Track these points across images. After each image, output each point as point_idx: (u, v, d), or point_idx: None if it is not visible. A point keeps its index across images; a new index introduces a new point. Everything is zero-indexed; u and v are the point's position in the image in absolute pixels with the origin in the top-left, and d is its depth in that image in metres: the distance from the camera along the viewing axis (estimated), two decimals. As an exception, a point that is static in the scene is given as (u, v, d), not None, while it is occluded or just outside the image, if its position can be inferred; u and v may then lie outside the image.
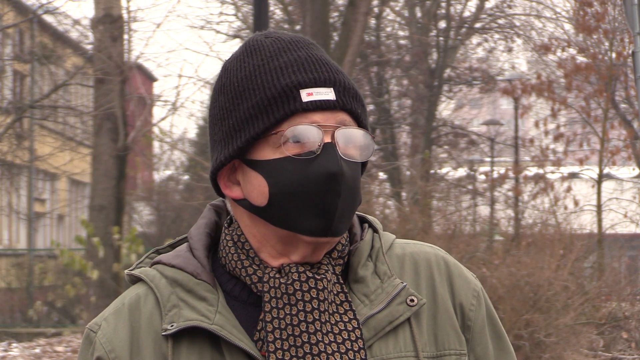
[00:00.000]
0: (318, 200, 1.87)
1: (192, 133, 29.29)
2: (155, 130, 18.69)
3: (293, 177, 1.87)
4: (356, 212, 2.00)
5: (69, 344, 18.55)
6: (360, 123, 1.93)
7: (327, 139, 1.88)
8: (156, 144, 23.98)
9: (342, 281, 1.93)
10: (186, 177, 27.20)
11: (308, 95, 1.89)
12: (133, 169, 20.47)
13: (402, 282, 1.94)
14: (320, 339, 1.87)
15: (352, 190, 1.89)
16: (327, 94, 1.90)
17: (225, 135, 1.93)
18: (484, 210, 20.54)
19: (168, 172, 28.56)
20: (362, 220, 2.04)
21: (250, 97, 1.90)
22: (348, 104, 1.91)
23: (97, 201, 16.06)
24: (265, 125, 1.88)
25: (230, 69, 1.95)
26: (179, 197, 26.08)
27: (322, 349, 1.87)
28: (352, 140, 1.90)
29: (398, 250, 2.02)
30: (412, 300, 1.93)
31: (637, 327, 13.66)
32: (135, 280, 1.99)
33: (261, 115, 1.89)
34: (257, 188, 1.90)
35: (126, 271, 2.00)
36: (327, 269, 1.92)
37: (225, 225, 2.00)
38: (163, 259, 1.98)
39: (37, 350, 18.00)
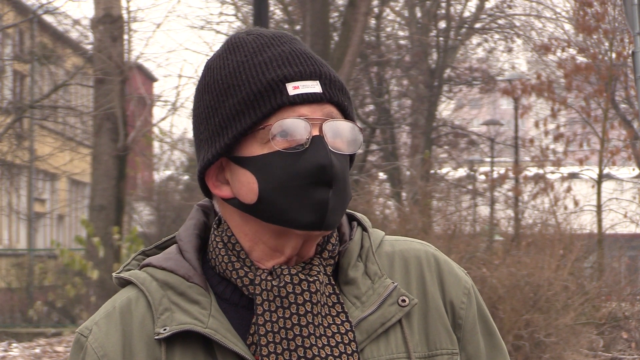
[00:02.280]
0: (309, 193, 1.85)
1: (192, 133, 29.28)
2: (155, 130, 18.72)
3: (282, 172, 1.85)
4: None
5: (69, 344, 18.53)
6: (346, 115, 1.92)
7: (315, 132, 1.86)
8: (156, 144, 24.01)
9: (333, 282, 1.91)
10: (186, 177, 27.20)
11: (294, 88, 1.87)
12: (133, 169, 20.48)
13: (393, 283, 1.92)
14: (313, 343, 1.86)
15: (342, 182, 1.87)
16: (313, 86, 1.88)
17: (212, 133, 1.91)
18: (484, 210, 20.54)
19: (168, 172, 28.56)
20: (351, 218, 2.02)
21: (235, 94, 1.88)
22: (335, 96, 1.90)
23: (97, 201, 16.08)
24: (252, 121, 1.87)
25: (213, 67, 1.93)
26: (179, 197, 26.07)
27: (316, 353, 1.85)
28: (340, 132, 1.88)
29: (387, 248, 2.00)
30: (403, 301, 1.91)
31: (637, 327, 13.65)
32: (125, 283, 1.97)
33: (247, 110, 1.87)
34: (246, 185, 1.88)
35: (114, 274, 1.98)
36: (319, 270, 1.90)
37: (214, 226, 1.97)
38: (153, 262, 1.95)
39: (37, 350, 17.98)
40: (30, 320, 23.40)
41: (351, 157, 1.92)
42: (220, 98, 1.90)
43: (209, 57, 1.99)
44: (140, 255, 2.02)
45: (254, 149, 1.88)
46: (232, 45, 1.94)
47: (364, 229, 2.00)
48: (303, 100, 1.87)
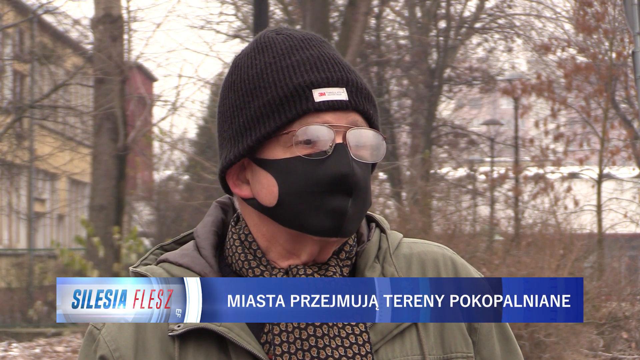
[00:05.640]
0: (328, 201, 1.85)
1: (192, 133, 29.26)
2: (155, 130, 18.71)
3: (303, 178, 1.86)
4: None
5: (69, 344, 18.52)
6: (371, 124, 1.92)
7: (339, 140, 1.87)
8: (156, 144, 23.98)
9: None
10: (186, 177, 27.17)
11: (320, 95, 1.87)
12: (133, 169, 20.48)
13: None
14: (327, 343, 1.86)
15: (363, 191, 1.87)
16: (339, 94, 1.88)
17: (235, 133, 1.91)
18: (484, 210, 20.53)
19: (168, 172, 28.54)
20: (369, 220, 2.02)
21: (261, 96, 1.89)
22: (360, 104, 1.90)
23: (97, 201, 16.09)
24: (276, 125, 1.87)
25: (241, 65, 1.93)
26: (179, 197, 26.06)
27: (329, 354, 1.86)
28: (363, 141, 1.89)
29: (405, 250, 2.00)
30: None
31: (637, 327, 13.65)
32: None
33: (272, 114, 1.87)
34: (266, 188, 1.89)
35: (131, 268, 1.97)
36: (335, 270, 1.91)
37: (232, 223, 1.98)
38: (169, 257, 1.96)
39: (37, 350, 17.97)
40: (30, 320, 23.38)
41: (373, 164, 1.92)
42: (245, 98, 1.90)
43: (236, 54, 1.98)
44: (158, 250, 2.02)
45: (277, 152, 1.88)
46: (261, 45, 1.94)
47: (382, 230, 2.00)
48: (328, 107, 1.87)
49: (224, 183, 1.97)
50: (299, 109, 1.87)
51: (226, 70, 2.10)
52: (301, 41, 1.93)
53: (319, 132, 1.86)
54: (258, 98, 1.89)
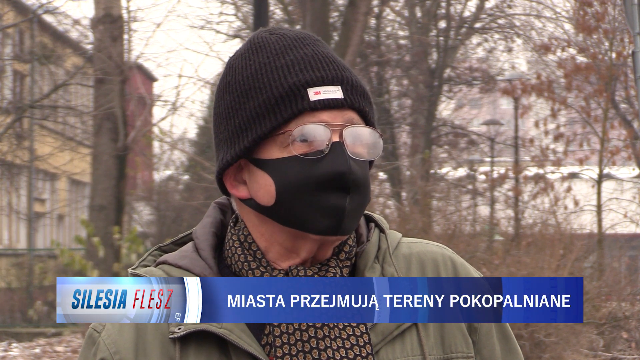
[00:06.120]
0: (326, 199, 1.85)
1: (192, 133, 29.26)
2: (155, 130, 18.70)
3: (301, 177, 1.85)
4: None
5: (69, 344, 18.52)
6: (367, 121, 1.92)
7: (335, 138, 1.86)
8: (156, 144, 23.97)
9: None
10: (186, 177, 27.15)
11: (316, 94, 1.87)
12: (133, 169, 20.46)
13: None
14: (328, 345, 1.86)
15: (361, 189, 1.87)
16: (334, 92, 1.88)
17: (231, 134, 1.91)
18: (484, 210, 20.53)
19: (168, 172, 28.52)
20: (368, 219, 2.02)
21: (256, 96, 1.88)
22: (356, 102, 1.90)
23: (97, 201, 16.08)
24: (272, 125, 1.87)
25: (235, 66, 1.93)
26: (179, 197, 26.03)
27: (331, 355, 1.86)
28: (360, 138, 1.88)
29: (405, 250, 2.00)
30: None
31: (637, 327, 13.65)
32: None
33: (268, 114, 1.87)
34: (263, 187, 1.89)
35: (130, 270, 1.97)
36: (335, 271, 1.91)
37: (231, 224, 1.98)
38: (169, 259, 1.96)
39: (37, 350, 17.96)
40: (30, 320, 23.38)
41: (370, 161, 1.92)
42: (241, 99, 1.90)
43: (231, 55, 1.97)
44: (157, 251, 2.02)
45: (273, 152, 1.88)
46: (255, 45, 1.93)
47: (382, 230, 2.00)
48: (324, 106, 1.87)
49: (222, 184, 1.96)
50: (294, 109, 1.87)
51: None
52: (295, 40, 1.92)
53: (315, 131, 1.86)
54: (253, 99, 1.89)
